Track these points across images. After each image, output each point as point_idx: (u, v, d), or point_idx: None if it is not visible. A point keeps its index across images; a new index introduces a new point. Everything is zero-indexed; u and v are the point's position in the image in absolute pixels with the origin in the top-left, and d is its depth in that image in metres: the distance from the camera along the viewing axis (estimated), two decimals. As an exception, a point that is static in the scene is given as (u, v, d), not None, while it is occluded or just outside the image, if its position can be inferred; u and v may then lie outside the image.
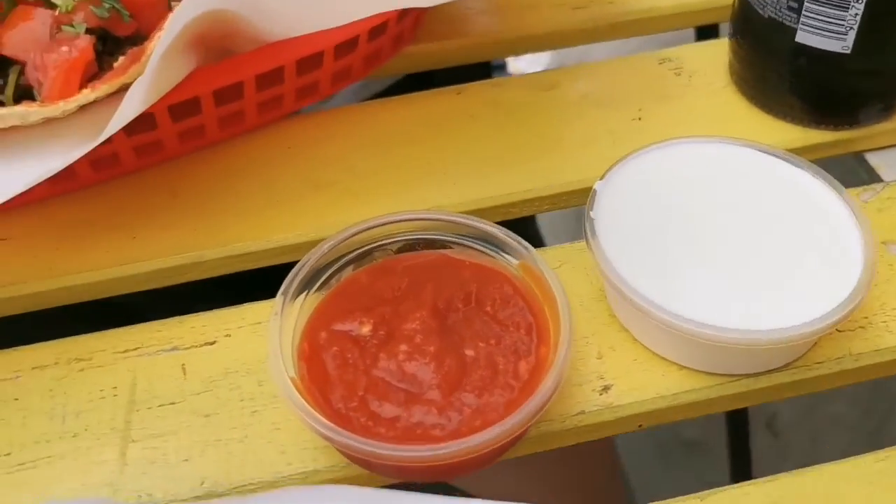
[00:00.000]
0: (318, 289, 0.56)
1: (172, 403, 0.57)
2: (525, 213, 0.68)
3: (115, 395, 0.57)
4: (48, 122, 0.60)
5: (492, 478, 0.61)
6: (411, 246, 0.59)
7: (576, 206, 0.67)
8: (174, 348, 0.59)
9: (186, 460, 0.54)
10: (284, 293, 0.54)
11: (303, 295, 0.55)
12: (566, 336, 0.52)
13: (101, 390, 0.58)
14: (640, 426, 0.57)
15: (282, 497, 0.41)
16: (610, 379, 0.57)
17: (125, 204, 0.67)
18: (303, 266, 0.55)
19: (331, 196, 0.67)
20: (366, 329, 0.55)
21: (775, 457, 1.26)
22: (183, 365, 0.58)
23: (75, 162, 0.63)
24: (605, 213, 0.58)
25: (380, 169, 0.69)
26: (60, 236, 0.65)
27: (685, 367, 0.57)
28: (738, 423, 1.11)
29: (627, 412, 0.56)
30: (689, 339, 0.53)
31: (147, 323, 0.61)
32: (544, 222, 1.12)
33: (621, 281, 0.54)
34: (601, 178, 0.60)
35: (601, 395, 0.56)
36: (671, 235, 0.57)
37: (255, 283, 0.64)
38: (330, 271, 0.57)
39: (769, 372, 0.57)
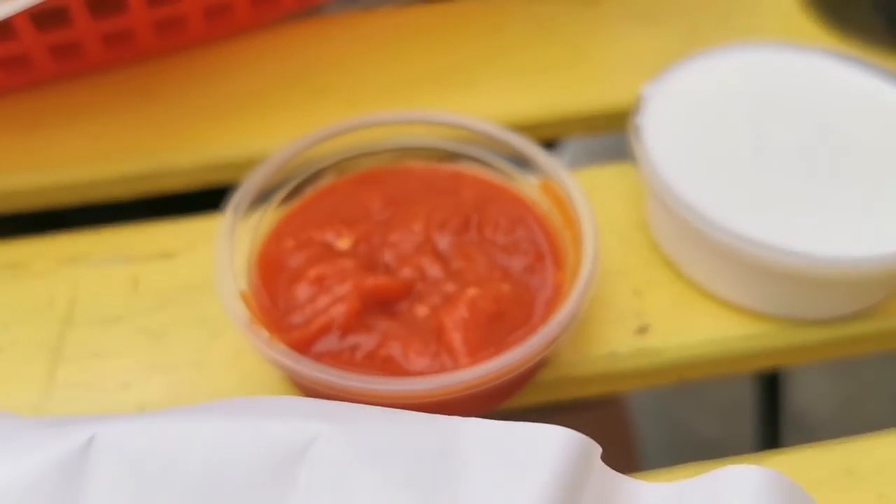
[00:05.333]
0: (288, 199, 0.47)
1: (117, 320, 0.47)
2: (552, 135, 0.58)
3: (50, 308, 0.48)
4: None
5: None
6: (408, 154, 0.49)
7: (614, 131, 0.57)
8: (127, 259, 0.50)
9: (126, 385, 0.44)
10: (237, 206, 0.44)
11: (263, 207, 0.45)
12: (590, 258, 0.42)
13: (35, 301, 0.48)
14: (681, 377, 0.46)
15: (226, 407, 0.31)
16: (648, 318, 0.47)
17: (87, 102, 0.58)
18: (263, 172, 0.45)
19: (329, 104, 0.58)
20: (344, 243, 0.45)
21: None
22: (135, 277, 0.49)
23: (32, 50, 0.54)
24: (654, 120, 0.48)
25: (387, 79, 0.59)
26: (9, 134, 0.56)
27: (741, 308, 0.47)
28: (769, 418, 0.99)
29: (667, 358, 0.45)
30: (748, 265, 0.43)
31: (98, 230, 0.51)
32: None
33: (669, 191, 0.44)
34: (651, 82, 0.50)
35: (637, 335, 0.46)
36: (731, 149, 0.47)
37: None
38: (300, 179, 0.47)
39: (843, 319, 0.46)
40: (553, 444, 0.27)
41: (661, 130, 0.47)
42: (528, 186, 0.47)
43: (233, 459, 0.28)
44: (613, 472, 0.29)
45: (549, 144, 0.48)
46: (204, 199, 0.55)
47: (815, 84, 0.50)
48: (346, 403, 0.31)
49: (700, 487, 0.28)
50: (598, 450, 0.29)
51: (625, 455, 0.88)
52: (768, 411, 0.99)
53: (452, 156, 0.48)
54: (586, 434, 0.29)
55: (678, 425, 1.24)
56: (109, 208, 0.56)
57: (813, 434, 1.14)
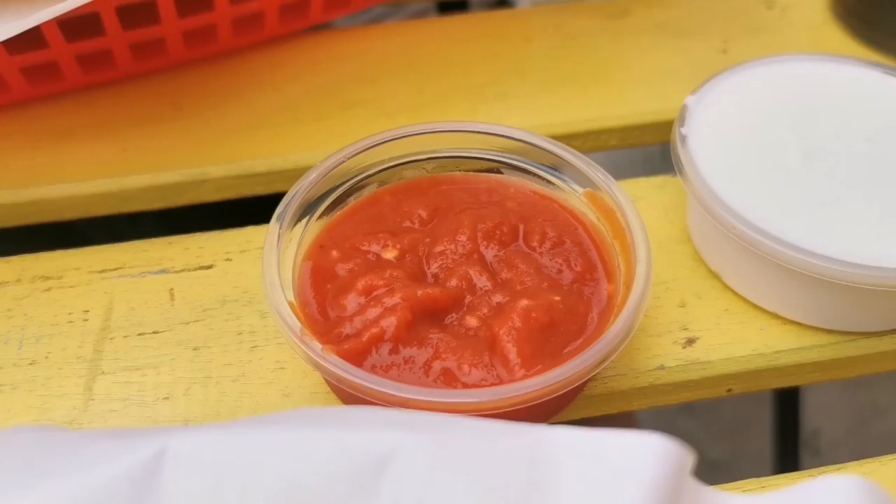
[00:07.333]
0: (331, 209, 0.46)
1: (155, 333, 0.46)
2: (588, 148, 0.57)
3: (85, 320, 0.47)
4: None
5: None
6: (450, 165, 0.48)
7: (650, 143, 0.57)
8: (163, 270, 0.49)
9: (167, 398, 0.43)
10: (281, 216, 0.43)
11: (307, 218, 0.44)
12: (644, 268, 0.41)
13: (70, 314, 0.47)
14: (729, 390, 0.46)
15: (283, 418, 0.30)
16: (696, 331, 0.46)
17: (117, 112, 0.57)
18: (307, 182, 0.45)
19: (361, 116, 0.57)
20: (390, 253, 0.44)
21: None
22: (171, 290, 0.48)
23: (60, 58, 0.53)
24: (698, 131, 0.47)
25: (419, 92, 0.59)
26: (37, 144, 0.55)
27: (790, 320, 0.46)
28: (785, 437, 0.98)
29: (716, 371, 0.45)
30: (796, 274, 0.43)
31: (132, 241, 0.50)
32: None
33: (716, 199, 0.44)
34: (693, 93, 0.49)
35: (684, 348, 0.45)
36: (777, 158, 0.47)
37: (263, 212, 0.53)
38: (343, 190, 0.46)
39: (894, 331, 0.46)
40: (650, 453, 0.26)
41: (704, 140, 0.47)
42: (573, 196, 0.46)
43: (313, 471, 0.27)
44: (700, 483, 0.28)
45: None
46: (235, 211, 0.55)
47: (855, 94, 0.50)
48: (425, 413, 0.30)
49: (793, 499, 0.27)
50: (692, 459, 0.28)
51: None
52: (784, 429, 0.98)
53: (494, 165, 0.48)
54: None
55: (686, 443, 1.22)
56: (138, 221, 0.56)
57: (826, 452, 1.14)
